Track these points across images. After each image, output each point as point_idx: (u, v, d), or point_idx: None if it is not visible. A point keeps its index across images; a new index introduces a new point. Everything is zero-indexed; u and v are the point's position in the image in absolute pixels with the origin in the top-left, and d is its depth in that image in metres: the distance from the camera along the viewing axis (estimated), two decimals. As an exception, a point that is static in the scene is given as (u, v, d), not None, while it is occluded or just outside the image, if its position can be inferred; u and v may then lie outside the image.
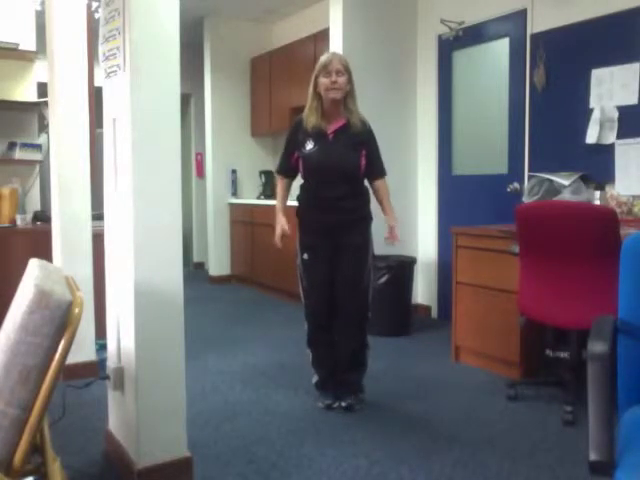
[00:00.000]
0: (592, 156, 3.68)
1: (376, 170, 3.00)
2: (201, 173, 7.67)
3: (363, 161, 2.91)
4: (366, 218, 2.99)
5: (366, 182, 3.01)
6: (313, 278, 2.97)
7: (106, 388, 2.48)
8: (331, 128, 2.89)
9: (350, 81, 2.86)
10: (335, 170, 2.86)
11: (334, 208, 2.89)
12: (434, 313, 4.97)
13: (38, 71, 4.33)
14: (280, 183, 3.11)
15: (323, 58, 2.87)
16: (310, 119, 2.89)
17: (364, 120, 2.95)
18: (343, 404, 2.96)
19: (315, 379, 3.11)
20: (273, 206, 6.52)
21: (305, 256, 2.97)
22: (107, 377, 2.38)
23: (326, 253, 2.92)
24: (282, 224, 2.98)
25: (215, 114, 6.66)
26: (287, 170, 3.05)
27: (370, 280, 3.02)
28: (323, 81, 2.82)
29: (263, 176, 6.64)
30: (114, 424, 2.46)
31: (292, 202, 3.06)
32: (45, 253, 3.18)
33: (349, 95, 2.87)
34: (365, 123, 2.95)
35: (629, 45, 3.50)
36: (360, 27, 4.75)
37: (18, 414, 1.39)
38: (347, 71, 2.84)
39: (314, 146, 2.88)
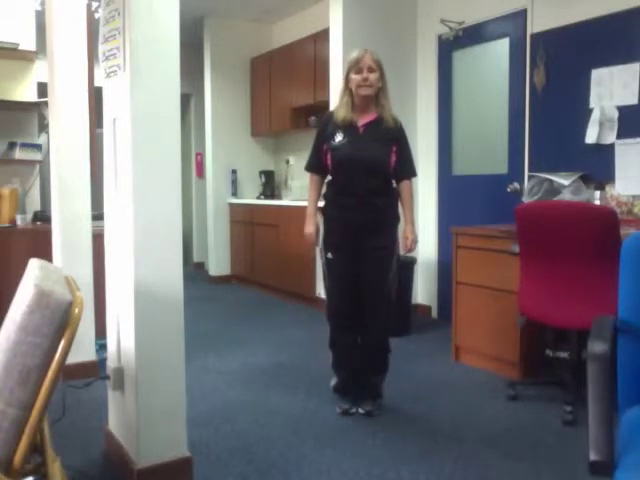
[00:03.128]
0: (592, 156, 3.68)
1: (405, 169, 2.92)
2: (201, 173, 7.67)
3: (393, 157, 2.84)
4: (393, 218, 2.91)
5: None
6: (337, 278, 2.90)
7: (106, 388, 2.48)
8: (362, 122, 2.85)
9: (382, 77, 2.83)
10: (365, 163, 2.79)
11: (362, 204, 2.80)
12: (434, 313, 4.97)
13: (38, 71, 4.33)
14: (311, 181, 3.00)
15: (355, 54, 2.83)
16: (340, 112, 2.85)
17: (396, 117, 2.90)
18: (361, 410, 2.90)
19: (334, 382, 3.05)
20: (273, 206, 6.50)
21: (329, 255, 2.90)
22: (107, 377, 2.38)
23: (351, 253, 2.85)
24: (310, 232, 2.95)
25: (215, 114, 6.66)
26: (316, 166, 2.95)
27: (394, 283, 2.93)
28: (354, 77, 2.79)
29: (263, 176, 6.64)
30: (114, 424, 2.46)
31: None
32: (45, 253, 3.18)
33: (381, 91, 2.84)
34: (397, 120, 2.90)
35: (629, 45, 3.50)
36: (360, 27, 4.75)
37: (18, 414, 1.39)
38: (379, 67, 2.81)
39: (343, 138, 2.82)
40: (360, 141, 2.82)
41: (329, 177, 2.95)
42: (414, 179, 3.01)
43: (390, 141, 2.85)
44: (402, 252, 2.97)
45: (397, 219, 2.93)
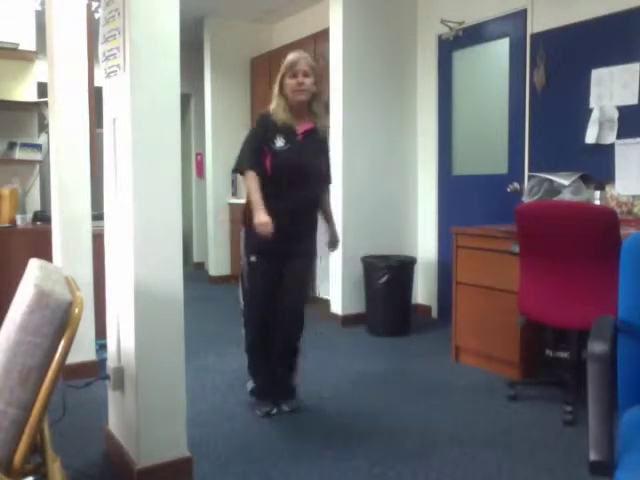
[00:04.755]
0: (592, 156, 3.68)
1: (329, 177, 3.06)
2: (201, 173, 7.67)
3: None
4: (316, 228, 2.99)
5: None
6: (260, 281, 2.88)
7: (106, 388, 2.48)
8: (300, 129, 2.83)
9: (316, 83, 2.81)
10: (306, 171, 2.83)
11: (298, 211, 2.82)
12: (434, 313, 4.97)
13: (38, 71, 4.33)
14: (251, 178, 2.79)
15: (289, 58, 2.81)
16: (279, 115, 2.79)
17: (326, 126, 2.99)
18: (286, 408, 2.94)
19: (251, 386, 3.03)
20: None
21: (253, 258, 2.86)
22: (107, 377, 2.38)
23: (277, 257, 2.85)
24: (267, 220, 2.69)
25: (215, 114, 6.66)
26: (258, 165, 2.80)
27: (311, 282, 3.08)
28: (289, 82, 2.77)
29: (263, 176, 6.63)
30: (114, 424, 2.46)
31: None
32: (45, 253, 3.18)
33: (315, 98, 2.83)
34: (326, 131, 3.00)
35: (629, 45, 3.50)
36: (360, 27, 4.75)
37: (18, 414, 1.39)
38: (314, 72, 2.79)
39: (285, 144, 2.78)
40: (301, 149, 2.82)
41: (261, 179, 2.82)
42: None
43: (322, 150, 2.95)
44: (329, 251, 3.19)
45: (317, 225, 3.00)
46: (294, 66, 2.77)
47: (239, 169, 2.96)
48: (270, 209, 2.74)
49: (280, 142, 2.79)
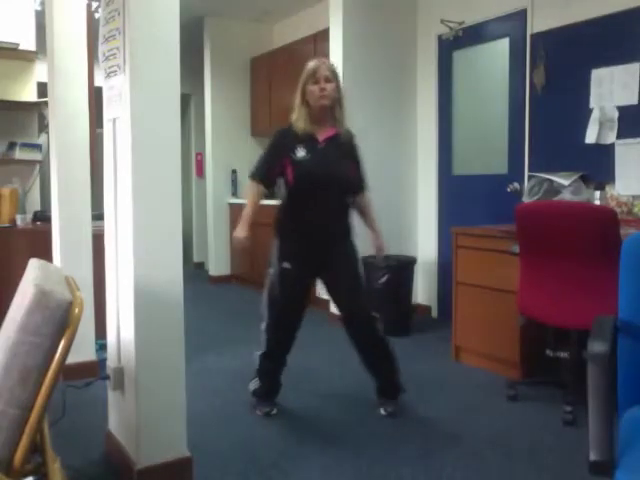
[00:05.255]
0: (592, 156, 3.68)
1: (363, 183, 2.97)
2: (201, 173, 7.67)
3: (352, 173, 2.88)
4: (350, 230, 2.92)
5: None
6: (290, 289, 2.85)
7: (106, 388, 2.47)
8: (322, 136, 2.81)
9: (339, 88, 2.79)
10: (329, 179, 2.77)
11: (325, 220, 2.80)
12: (434, 313, 4.97)
13: (38, 71, 4.34)
14: (253, 188, 2.87)
15: (311, 65, 2.78)
16: (300, 124, 2.78)
17: (350, 131, 2.89)
18: (383, 412, 2.90)
19: (255, 386, 3.00)
20: (273, 206, 6.52)
21: (286, 265, 2.83)
22: (107, 377, 2.38)
23: (311, 267, 2.85)
24: (244, 236, 2.83)
25: (215, 114, 6.66)
26: (267, 177, 2.85)
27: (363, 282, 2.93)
28: (312, 89, 2.74)
29: (263, 176, 6.63)
30: (114, 424, 2.46)
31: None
32: (45, 253, 3.18)
33: (337, 103, 2.80)
34: (352, 134, 2.90)
35: (629, 45, 3.50)
36: (360, 27, 4.75)
37: (18, 414, 1.39)
38: (335, 78, 2.78)
39: (307, 153, 2.76)
40: (323, 157, 2.79)
41: (286, 190, 2.85)
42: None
43: (348, 156, 2.88)
44: (376, 255, 3.07)
45: (352, 230, 2.94)
46: (316, 73, 2.74)
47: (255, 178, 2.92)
48: (297, 217, 2.84)
49: (301, 152, 2.77)
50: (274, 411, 2.93)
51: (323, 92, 2.73)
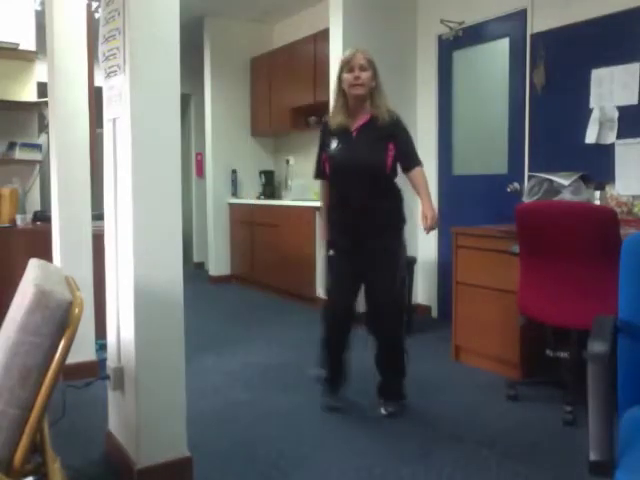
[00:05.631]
0: (592, 156, 3.68)
1: (408, 160, 2.84)
2: (201, 173, 7.67)
3: (390, 156, 2.78)
4: (398, 222, 2.89)
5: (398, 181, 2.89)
6: (336, 276, 2.90)
7: (106, 388, 2.47)
8: (355, 125, 2.82)
9: (375, 76, 2.79)
10: (357, 169, 2.77)
11: (360, 209, 2.79)
12: (434, 313, 4.97)
13: (38, 71, 4.34)
14: (321, 188, 3.06)
15: (346, 53, 2.81)
16: (335, 118, 2.84)
17: (392, 112, 2.82)
18: (384, 411, 2.91)
19: (318, 373, 3.03)
20: (273, 206, 6.51)
21: (331, 252, 2.91)
22: (107, 377, 2.38)
23: (352, 254, 2.85)
24: (325, 236, 2.97)
25: (215, 114, 6.66)
26: (321, 172, 2.97)
27: (401, 285, 2.93)
28: (346, 77, 2.76)
29: (263, 176, 6.64)
30: (114, 424, 2.45)
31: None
32: (45, 253, 3.18)
33: (375, 90, 2.79)
34: (393, 115, 2.82)
35: (629, 45, 3.49)
36: (360, 27, 4.75)
37: (18, 414, 1.39)
38: (371, 66, 2.77)
39: (337, 145, 2.81)
40: (353, 146, 2.80)
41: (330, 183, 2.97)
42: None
43: (385, 138, 2.78)
44: (425, 231, 2.82)
45: (403, 222, 2.91)
46: (350, 61, 2.76)
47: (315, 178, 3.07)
48: (337, 208, 2.90)
49: (334, 144, 2.84)
50: (339, 405, 2.94)
51: (357, 80, 2.74)
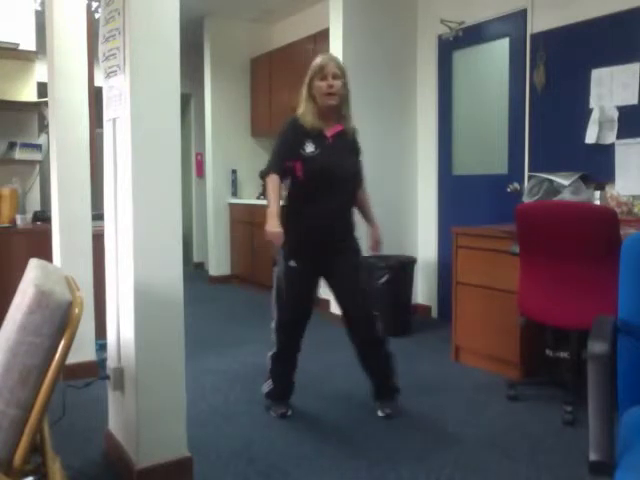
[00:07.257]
0: (592, 156, 3.68)
1: (362, 178, 2.98)
2: (201, 173, 7.67)
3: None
4: (353, 225, 2.92)
5: None
6: (297, 287, 2.82)
7: (106, 388, 2.48)
8: (330, 132, 2.79)
9: (346, 85, 2.77)
10: (338, 174, 2.77)
11: (334, 215, 2.80)
12: (434, 313, 4.97)
13: (38, 71, 4.34)
14: (273, 181, 2.72)
15: (319, 60, 2.76)
16: (308, 119, 2.76)
17: (354, 128, 2.89)
18: (381, 413, 2.89)
19: (268, 388, 2.98)
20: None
21: (292, 263, 2.78)
22: (107, 377, 2.38)
23: (318, 261, 2.82)
24: (280, 230, 2.65)
25: (215, 114, 6.66)
26: (282, 170, 2.77)
27: (366, 280, 2.96)
28: (319, 84, 2.72)
29: (263, 176, 6.63)
30: (114, 424, 2.46)
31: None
32: (45, 253, 3.18)
33: (344, 101, 2.78)
34: (355, 130, 2.90)
35: (629, 45, 3.49)
36: (360, 27, 4.75)
37: (18, 414, 1.39)
38: (343, 75, 2.75)
39: (315, 149, 2.74)
40: (332, 152, 2.77)
41: (292, 185, 2.82)
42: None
43: (353, 153, 2.89)
44: (370, 253, 3.06)
45: (354, 227, 2.94)
46: (323, 69, 2.72)
47: (264, 175, 2.79)
48: (304, 214, 2.80)
49: (310, 147, 2.75)
50: (289, 412, 2.92)
51: (331, 89, 2.71)
